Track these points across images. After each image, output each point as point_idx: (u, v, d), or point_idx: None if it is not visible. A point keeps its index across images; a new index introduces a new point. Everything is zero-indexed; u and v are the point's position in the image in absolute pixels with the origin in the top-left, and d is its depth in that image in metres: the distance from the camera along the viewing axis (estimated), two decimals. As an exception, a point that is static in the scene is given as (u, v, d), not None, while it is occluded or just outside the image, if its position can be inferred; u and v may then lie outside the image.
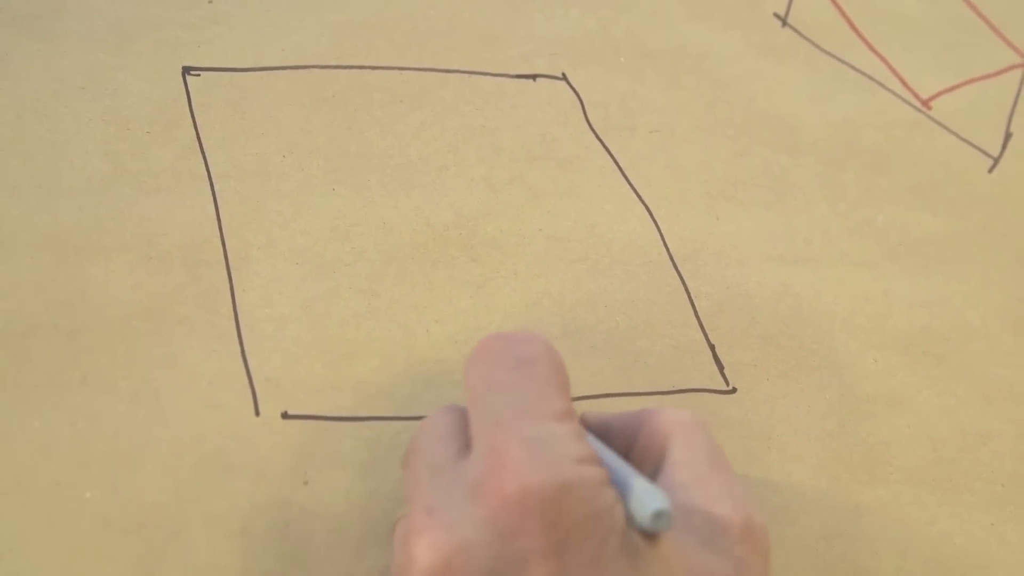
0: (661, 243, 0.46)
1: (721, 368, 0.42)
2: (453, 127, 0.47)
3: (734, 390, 0.42)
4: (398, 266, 0.42)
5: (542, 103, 0.50)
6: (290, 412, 0.37)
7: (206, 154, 0.44)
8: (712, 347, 0.43)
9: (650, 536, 0.27)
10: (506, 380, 0.29)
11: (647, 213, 0.47)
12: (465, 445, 0.30)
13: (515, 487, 0.26)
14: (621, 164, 0.48)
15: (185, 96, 0.45)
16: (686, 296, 0.44)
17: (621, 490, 0.28)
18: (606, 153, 0.49)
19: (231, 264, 0.40)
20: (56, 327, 0.37)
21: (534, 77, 0.51)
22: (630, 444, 0.32)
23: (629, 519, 0.27)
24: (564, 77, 0.51)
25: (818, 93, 0.54)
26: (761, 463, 0.40)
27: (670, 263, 0.45)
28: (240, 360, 0.38)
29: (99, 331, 0.37)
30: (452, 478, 0.28)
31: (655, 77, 0.52)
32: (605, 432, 0.33)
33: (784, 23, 0.57)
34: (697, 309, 0.44)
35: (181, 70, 0.46)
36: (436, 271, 0.42)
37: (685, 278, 0.45)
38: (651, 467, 0.31)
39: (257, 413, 0.37)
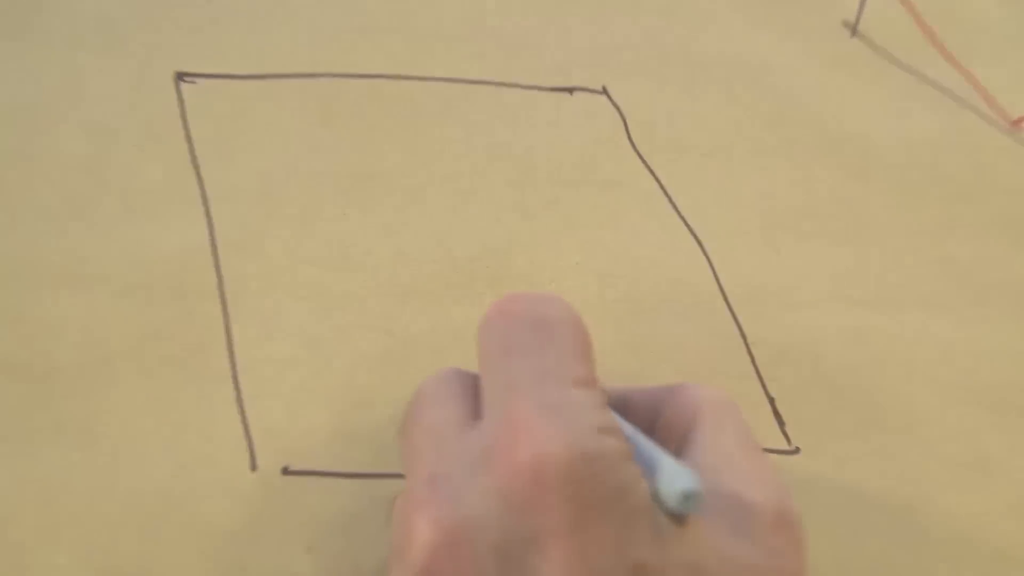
0: (714, 281, 0.46)
1: (782, 424, 0.42)
2: (480, 146, 0.48)
3: (797, 450, 0.42)
4: (416, 303, 0.43)
5: (580, 120, 0.50)
6: (291, 468, 0.37)
7: (200, 172, 0.45)
8: (772, 400, 0.43)
9: (677, 518, 0.28)
10: (524, 342, 0.29)
11: (698, 246, 0.47)
12: (472, 412, 0.30)
13: (529, 455, 0.26)
14: (669, 190, 0.49)
15: (178, 105, 0.46)
16: (742, 342, 0.44)
17: (646, 468, 0.28)
18: (652, 177, 0.49)
19: (227, 297, 0.41)
20: (27, 368, 0.38)
21: (571, 90, 0.52)
22: (652, 420, 0.33)
23: (654, 499, 0.28)
24: (605, 91, 0.52)
25: (893, 111, 0.55)
26: (828, 535, 0.39)
27: (724, 304, 0.45)
28: (235, 407, 0.38)
29: (76, 372, 0.38)
30: (458, 446, 0.28)
31: (708, 92, 0.53)
32: (624, 406, 0.33)
33: (854, 32, 0.59)
34: (754, 357, 0.44)
35: (174, 76, 0.47)
36: (459, 309, 0.43)
37: (741, 321, 0.45)
38: (674, 446, 0.32)
39: (254, 468, 0.37)
